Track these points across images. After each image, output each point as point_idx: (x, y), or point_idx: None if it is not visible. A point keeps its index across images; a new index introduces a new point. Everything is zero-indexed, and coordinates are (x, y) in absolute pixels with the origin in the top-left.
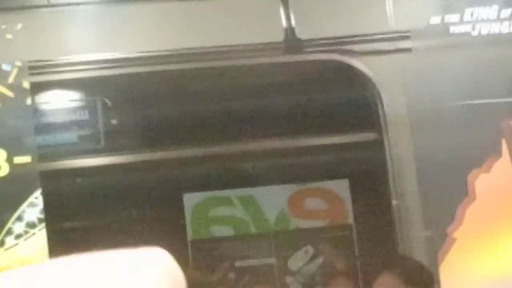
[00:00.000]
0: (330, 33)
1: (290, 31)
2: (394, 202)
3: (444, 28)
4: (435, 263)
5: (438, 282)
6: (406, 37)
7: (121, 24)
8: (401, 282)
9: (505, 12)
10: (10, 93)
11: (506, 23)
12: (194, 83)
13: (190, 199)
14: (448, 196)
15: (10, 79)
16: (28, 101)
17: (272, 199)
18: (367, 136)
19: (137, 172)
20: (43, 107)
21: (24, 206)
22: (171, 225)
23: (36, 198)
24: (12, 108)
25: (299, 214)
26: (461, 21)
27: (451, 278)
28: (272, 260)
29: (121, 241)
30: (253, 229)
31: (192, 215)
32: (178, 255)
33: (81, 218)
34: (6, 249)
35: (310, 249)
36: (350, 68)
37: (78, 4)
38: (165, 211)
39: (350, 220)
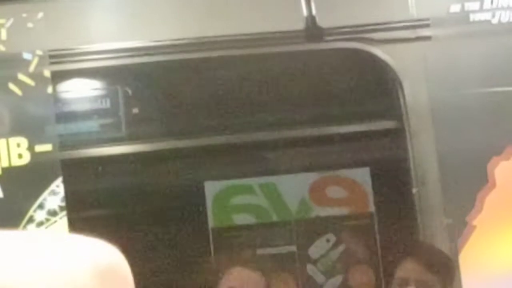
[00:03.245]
0: (351, 21)
1: (311, 19)
2: (414, 190)
3: (464, 16)
4: (456, 251)
5: (458, 269)
6: (427, 25)
7: (142, 13)
8: (423, 269)
9: None
10: (31, 82)
11: None
12: (214, 72)
13: (211, 187)
14: (468, 183)
15: (31, 68)
16: (49, 89)
17: (294, 187)
18: (388, 124)
19: (158, 160)
20: (64, 96)
21: (45, 194)
22: (192, 213)
23: (57, 186)
24: (33, 96)
25: (320, 202)
26: (481, 9)
27: (471, 266)
28: (293, 248)
29: (142, 230)
30: (274, 217)
31: (213, 203)
32: (199, 243)
33: (102, 206)
34: None
35: (331, 237)
36: (371, 56)
37: None
38: (186, 199)
39: (371, 208)
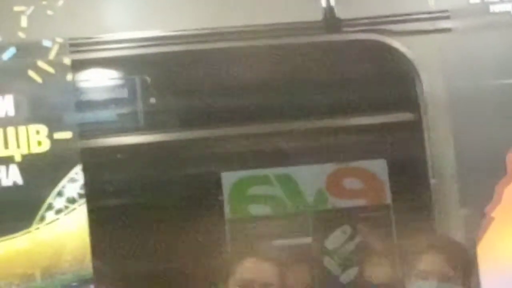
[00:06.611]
0: (369, 13)
1: (329, 10)
2: (432, 181)
3: (484, 7)
4: (473, 242)
5: (476, 261)
6: (446, 17)
7: (162, 2)
8: (445, 263)
9: None
10: (51, 69)
11: None
12: (233, 62)
13: (228, 178)
14: (486, 175)
15: (51, 55)
16: (69, 77)
17: (310, 178)
18: (406, 116)
19: (175, 150)
20: (83, 85)
21: (64, 181)
22: (209, 204)
23: (76, 173)
24: (53, 84)
25: (337, 194)
26: (501, 0)
27: (489, 257)
28: (309, 239)
29: (159, 219)
30: (290, 208)
31: (230, 193)
32: (215, 233)
33: (120, 195)
34: (47, 224)
35: (347, 229)
36: (389, 48)
37: None
38: (203, 189)
39: (388, 200)
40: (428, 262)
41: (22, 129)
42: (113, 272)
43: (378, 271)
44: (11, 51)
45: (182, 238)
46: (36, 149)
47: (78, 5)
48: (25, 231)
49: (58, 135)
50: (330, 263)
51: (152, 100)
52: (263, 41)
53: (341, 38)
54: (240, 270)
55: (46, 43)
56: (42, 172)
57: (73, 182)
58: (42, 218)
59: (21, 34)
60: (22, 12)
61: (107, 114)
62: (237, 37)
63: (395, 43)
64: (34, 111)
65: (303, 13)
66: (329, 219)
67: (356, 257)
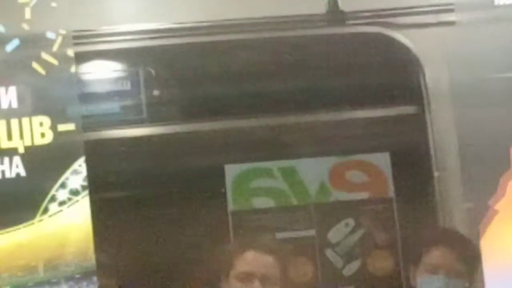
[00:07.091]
0: (373, 6)
1: (333, 3)
2: (435, 174)
3: (488, 0)
4: (477, 236)
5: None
6: (450, 10)
7: None
8: (455, 258)
9: None
10: (54, 61)
11: None
12: (237, 54)
13: (231, 170)
14: (490, 168)
15: (55, 47)
16: (72, 69)
17: (313, 171)
18: (409, 109)
19: (179, 142)
20: (86, 77)
21: (67, 173)
22: (212, 196)
23: (80, 165)
24: (56, 76)
25: (340, 187)
26: None
27: (492, 250)
28: (312, 232)
29: (162, 212)
30: (294, 201)
31: (233, 186)
32: (218, 226)
33: (123, 187)
34: (50, 216)
35: (350, 222)
36: (392, 41)
37: None
38: (206, 182)
39: (391, 193)
40: (437, 256)
41: (25, 120)
42: (116, 264)
43: (380, 264)
44: (14, 43)
45: (184, 230)
46: (39, 141)
47: None
48: (28, 223)
49: (62, 127)
50: (332, 256)
51: (156, 92)
52: (267, 34)
53: (344, 31)
54: (240, 262)
55: (50, 35)
56: (45, 164)
57: (76, 174)
58: (45, 210)
59: (25, 26)
60: (26, 4)
61: (111, 106)
62: (241, 29)
63: (399, 36)
64: (38, 103)
65: (307, 6)
66: (332, 212)
67: (359, 250)
